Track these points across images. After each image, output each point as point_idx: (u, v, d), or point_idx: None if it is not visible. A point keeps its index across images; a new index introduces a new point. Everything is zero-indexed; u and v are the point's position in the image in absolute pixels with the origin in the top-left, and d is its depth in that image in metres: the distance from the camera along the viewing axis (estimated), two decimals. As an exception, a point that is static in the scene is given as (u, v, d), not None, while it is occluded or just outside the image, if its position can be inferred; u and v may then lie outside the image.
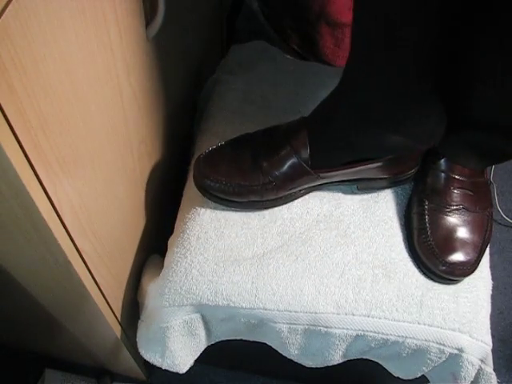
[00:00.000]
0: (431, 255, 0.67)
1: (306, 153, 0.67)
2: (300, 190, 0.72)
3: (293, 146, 0.67)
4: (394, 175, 0.73)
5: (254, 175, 0.69)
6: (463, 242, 0.68)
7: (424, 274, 0.69)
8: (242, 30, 1.18)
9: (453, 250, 0.68)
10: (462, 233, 0.69)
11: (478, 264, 0.69)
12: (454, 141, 0.69)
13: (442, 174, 0.71)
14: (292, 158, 0.67)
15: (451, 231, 0.69)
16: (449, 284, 0.68)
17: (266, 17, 1.15)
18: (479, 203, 0.71)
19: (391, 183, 0.75)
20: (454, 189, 0.70)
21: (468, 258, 0.68)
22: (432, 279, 0.69)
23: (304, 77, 0.89)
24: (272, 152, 0.69)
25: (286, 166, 0.68)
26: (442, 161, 0.71)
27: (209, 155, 0.71)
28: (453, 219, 0.70)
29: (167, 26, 0.69)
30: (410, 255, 0.70)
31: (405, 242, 0.71)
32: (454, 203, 0.70)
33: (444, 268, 0.67)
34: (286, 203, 0.73)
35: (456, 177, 0.70)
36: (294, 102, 0.85)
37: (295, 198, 0.73)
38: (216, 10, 1.02)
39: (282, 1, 1.11)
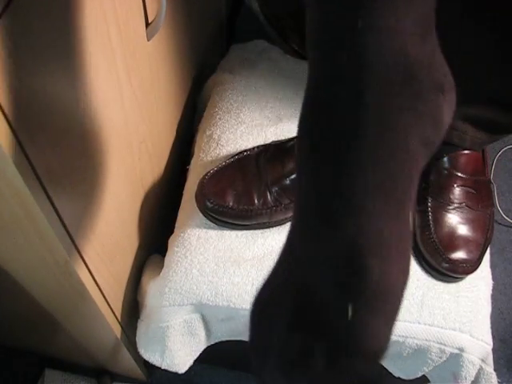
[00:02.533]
0: (435, 252, 0.67)
1: None
2: None
3: None
4: None
5: (263, 199, 0.68)
6: (466, 240, 0.69)
7: (426, 271, 0.69)
8: (242, 30, 1.18)
9: (456, 248, 0.68)
10: (465, 231, 0.69)
11: (480, 263, 0.69)
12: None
13: (445, 172, 0.71)
14: None
15: (454, 229, 0.69)
16: (450, 282, 0.68)
17: (266, 17, 1.15)
18: (481, 202, 0.71)
19: None
20: (457, 186, 0.71)
21: (471, 255, 0.68)
22: (434, 277, 0.68)
23: (304, 77, 0.88)
24: (280, 175, 0.68)
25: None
26: (445, 158, 0.72)
27: (212, 179, 0.70)
28: (456, 217, 0.70)
29: (167, 26, 0.69)
30: (411, 253, 0.70)
31: (406, 241, 0.71)
32: (457, 200, 0.70)
33: (447, 265, 0.67)
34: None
35: (459, 174, 0.71)
36: (294, 102, 0.85)
37: None
38: (216, 9, 1.02)
39: (282, 1, 1.11)
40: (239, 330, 0.73)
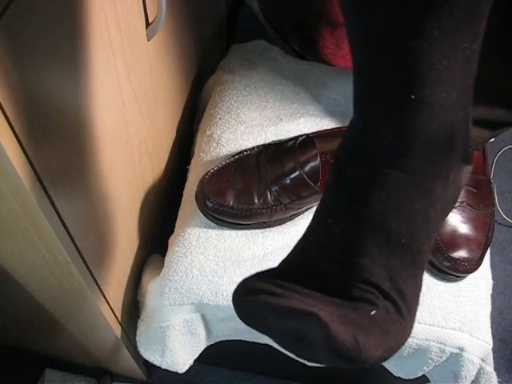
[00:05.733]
0: (436, 251, 0.67)
1: (316, 174, 0.67)
2: (307, 208, 0.72)
3: (303, 169, 0.67)
4: None
5: (263, 198, 0.68)
6: (468, 239, 0.69)
7: (427, 270, 0.69)
8: (242, 29, 1.18)
9: (458, 247, 0.68)
10: (466, 229, 0.69)
11: (482, 262, 0.69)
12: None
13: None
14: (303, 181, 0.67)
15: (456, 227, 0.69)
16: (451, 281, 0.68)
17: (266, 17, 1.15)
18: (482, 201, 0.71)
19: None
20: None
21: (472, 254, 0.68)
22: (435, 275, 0.68)
23: (304, 77, 0.89)
24: (280, 174, 0.68)
25: (296, 188, 0.68)
26: None
27: (212, 178, 0.70)
28: (457, 216, 0.70)
29: (167, 26, 0.69)
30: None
31: (407, 240, 0.71)
32: (458, 199, 0.70)
33: (449, 264, 0.67)
34: (292, 220, 0.72)
35: None
36: (294, 102, 0.85)
37: (301, 213, 0.73)
38: (216, 9, 1.02)
39: (282, 1, 1.11)
40: (239, 329, 0.73)
